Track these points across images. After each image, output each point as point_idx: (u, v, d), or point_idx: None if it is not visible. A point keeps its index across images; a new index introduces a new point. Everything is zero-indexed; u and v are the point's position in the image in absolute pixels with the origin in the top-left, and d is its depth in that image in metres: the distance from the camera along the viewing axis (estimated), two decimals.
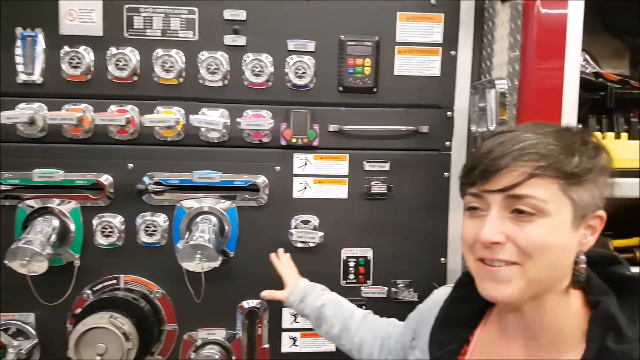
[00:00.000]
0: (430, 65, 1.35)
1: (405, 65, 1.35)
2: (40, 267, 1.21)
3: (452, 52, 1.36)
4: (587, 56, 1.37)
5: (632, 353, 0.63)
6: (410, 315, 0.97)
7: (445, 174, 1.39)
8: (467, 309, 0.80)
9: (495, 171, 0.66)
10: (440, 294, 0.88)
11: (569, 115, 1.15)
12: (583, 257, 0.69)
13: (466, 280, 0.76)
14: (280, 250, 1.30)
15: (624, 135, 1.25)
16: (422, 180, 1.38)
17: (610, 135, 1.25)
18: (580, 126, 0.74)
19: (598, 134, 1.25)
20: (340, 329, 1.09)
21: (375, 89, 1.35)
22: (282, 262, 1.27)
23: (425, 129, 1.36)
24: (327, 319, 1.10)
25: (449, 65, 1.36)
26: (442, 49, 1.35)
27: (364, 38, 1.32)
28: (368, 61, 1.32)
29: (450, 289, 0.85)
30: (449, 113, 1.38)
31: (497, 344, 0.76)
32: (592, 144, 0.69)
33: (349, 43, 1.31)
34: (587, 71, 1.34)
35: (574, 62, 1.14)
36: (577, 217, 0.66)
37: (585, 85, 1.31)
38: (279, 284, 1.29)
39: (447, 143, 1.38)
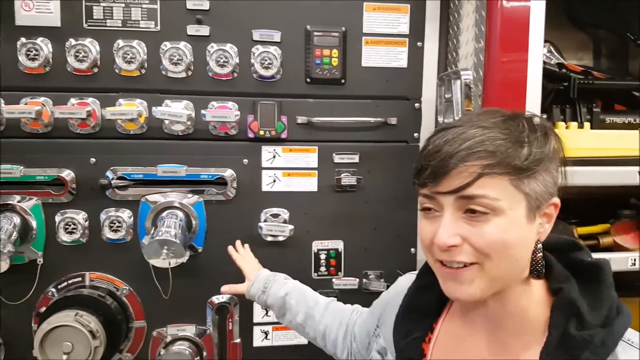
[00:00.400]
0: (398, 57, 1.35)
1: (372, 56, 1.34)
2: (1, 265, 1.18)
3: (419, 44, 1.36)
4: (551, 47, 1.38)
5: (593, 339, 0.63)
6: (375, 303, 0.96)
7: (414, 165, 1.39)
8: (431, 297, 0.79)
9: (445, 173, 0.64)
10: (404, 282, 0.88)
11: (533, 105, 1.16)
12: (540, 246, 0.69)
13: (429, 269, 0.74)
14: (238, 243, 1.28)
15: (587, 125, 1.27)
16: (391, 171, 1.38)
17: (574, 125, 1.27)
18: (528, 111, 0.71)
19: (562, 124, 1.27)
20: (304, 317, 1.08)
21: (343, 81, 1.34)
22: (241, 254, 1.25)
23: (393, 120, 1.36)
24: (291, 308, 1.09)
25: (416, 56, 1.36)
26: (409, 40, 1.35)
27: (331, 29, 1.31)
28: (335, 52, 1.31)
29: (414, 276, 0.85)
30: (416, 104, 1.38)
31: (461, 331, 0.76)
32: (541, 129, 0.67)
33: (316, 34, 1.30)
34: (552, 62, 1.35)
35: (537, 54, 1.16)
36: (532, 209, 0.65)
37: (549, 76, 1.33)
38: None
39: (415, 134, 1.39)
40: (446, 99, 1.29)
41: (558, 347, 0.64)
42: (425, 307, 0.80)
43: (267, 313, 1.39)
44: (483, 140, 0.63)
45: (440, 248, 0.65)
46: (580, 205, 1.50)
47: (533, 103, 1.16)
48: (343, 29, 1.31)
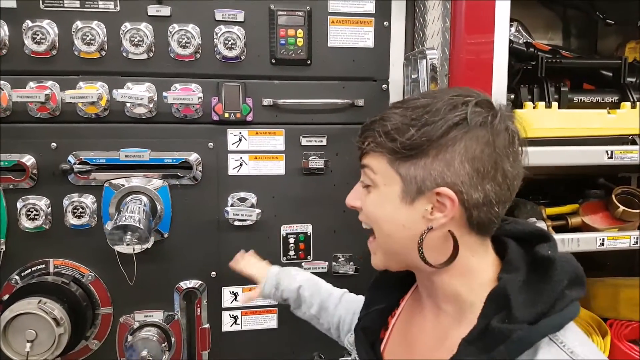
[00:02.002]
0: (364, 37, 1.34)
1: (338, 36, 1.33)
2: None
3: (386, 23, 1.34)
4: (519, 27, 1.37)
5: (511, 334, 0.60)
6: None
7: None
8: (399, 274, 0.79)
9: (358, 145, 0.73)
10: None
11: (499, 85, 1.16)
12: (426, 234, 0.66)
13: None
14: (241, 252, 1.24)
15: (555, 104, 1.27)
16: (359, 154, 1.36)
17: (542, 104, 1.26)
18: (480, 93, 0.68)
19: (529, 104, 1.26)
20: (318, 309, 1.08)
21: (309, 61, 1.32)
22: (246, 261, 1.21)
23: (361, 102, 1.35)
24: (305, 300, 1.09)
25: (383, 36, 1.35)
26: (375, 19, 1.34)
27: (295, 8, 1.29)
28: (300, 32, 1.29)
29: None
30: (384, 86, 1.37)
31: (416, 311, 0.79)
32: (456, 113, 0.64)
33: (280, 13, 1.28)
34: (520, 41, 1.34)
35: (504, 33, 1.15)
36: (409, 192, 0.66)
37: (517, 55, 1.32)
38: (219, 263, 1.30)
39: None
40: (413, 80, 1.28)
41: (478, 337, 0.63)
42: (393, 282, 0.83)
43: (236, 298, 1.38)
44: (379, 120, 0.69)
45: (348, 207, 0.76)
46: (549, 186, 1.50)
47: (499, 82, 1.15)
48: (308, 8, 1.30)
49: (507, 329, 0.60)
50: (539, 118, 1.24)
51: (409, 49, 1.36)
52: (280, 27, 1.29)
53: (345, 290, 1.13)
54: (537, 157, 1.21)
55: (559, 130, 1.24)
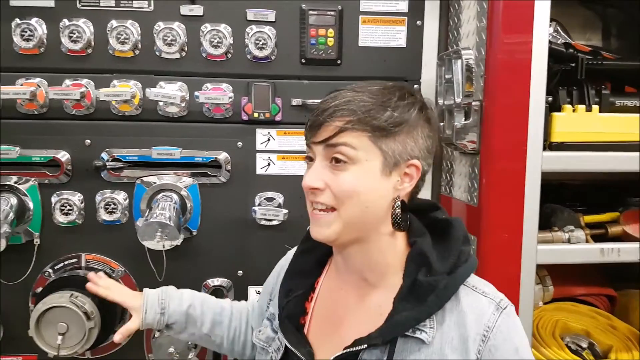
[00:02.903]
0: (396, 36, 1.32)
1: (370, 35, 1.31)
2: None
3: (418, 22, 1.32)
4: (557, 26, 1.32)
5: (438, 284, 0.73)
6: (267, 280, 1.02)
7: None
8: (312, 259, 0.89)
9: (317, 126, 0.75)
10: (291, 253, 0.96)
11: (538, 87, 1.12)
12: (398, 203, 0.77)
13: (309, 235, 0.82)
14: (91, 275, 1.11)
15: (595, 108, 1.21)
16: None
17: (581, 107, 1.21)
18: (405, 84, 0.85)
19: (568, 107, 1.21)
20: (211, 326, 1.03)
21: (339, 61, 1.31)
22: (106, 285, 1.09)
23: None
24: (195, 320, 1.02)
25: (416, 35, 1.33)
26: (408, 18, 1.32)
27: (327, 7, 1.29)
28: (331, 32, 1.28)
29: None
30: (415, 86, 1.35)
31: (336, 286, 0.85)
32: (410, 99, 0.77)
33: (311, 12, 1.27)
34: (558, 42, 1.29)
35: (543, 33, 1.11)
36: (388, 165, 0.75)
37: (555, 56, 1.27)
38: (245, 262, 1.31)
39: None
40: (446, 80, 1.24)
41: (409, 293, 0.74)
42: (307, 268, 0.89)
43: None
44: (350, 101, 0.74)
45: (306, 189, 0.77)
46: (587, 192, 1.44)
47: (538, 84, 1.12)
48: (339, 7, 1.29)
49: (434, 280, 0.73)
50: (578, 122, 1.19)
51: (442, 49, 1.34)
52: (311, 26, 1.28)
53: (228, 299, 1.11)
54: (576, 162, 1.17)
55: (600, 135, 1.19)
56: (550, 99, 1.24)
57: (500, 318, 0.74)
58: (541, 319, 1.33)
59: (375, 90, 0.76)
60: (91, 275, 1.12)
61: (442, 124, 1.29)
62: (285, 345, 0.83)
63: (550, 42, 1.19)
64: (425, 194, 1.37)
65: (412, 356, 0.73)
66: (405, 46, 1.32)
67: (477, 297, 0.75)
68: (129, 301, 1.05)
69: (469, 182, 1.22)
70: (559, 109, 1.22)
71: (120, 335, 1.02)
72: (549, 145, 1.18)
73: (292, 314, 0.85)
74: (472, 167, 1.20)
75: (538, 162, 1.13)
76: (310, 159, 0.80)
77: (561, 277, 1.36)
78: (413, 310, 0.73)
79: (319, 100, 1.25)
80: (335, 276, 0.86)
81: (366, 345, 0.74)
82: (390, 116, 0.73)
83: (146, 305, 1.01)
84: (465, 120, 1.17)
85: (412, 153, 0.76)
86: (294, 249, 0.96)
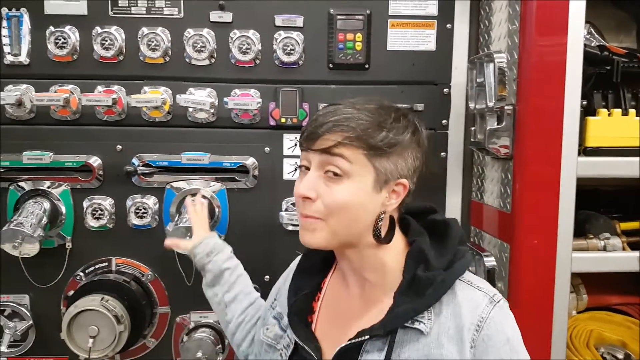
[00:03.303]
0: (425, 40, 1.31)
1: (398, 39, 1.30)
2: (31, 249, 1.23)
3: (448, 25, 1.31)
4: (590, 28, 1.29)
5: (436, 278, 0.78)
6: (275, 284, 1.05)
7: (442, 154, 1.35)
8: (318, 260, 0.93)
9: (315, 138, 0.78)
10: (298, 259, 1.00)
11: (572, 91, 1.10)
12: (383, 217, 0.81)
13: None
14: (199, 197, 1.23)
15: (632, 111, 1.18)
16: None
17: (617, 111, 1.18)
18: (401, 106, 0.89)
19: (604, 111, 1.18)
20: (233, 298, 1.09)
21: (367, 66, 1.31)
22: (197, 210, 1.19)
23: (420, 106, 1.32)
24: (225, 283, 1.09)
25: (445, 39, 1.32)
26: (438, 21, 1.31)
27: (355, 11, 1.28)
28: (359, 36, 1.28)
29: None
30: (445, 90, 1.34)
31: (340, 286, 0.90)
32: (405, 122, 0.81)
33: (339, 17, 1.27)
34: (592, 44, 1.26)
35: (578, 35, 1.09)
36: (379, 182, 0.79)
37: (590, 59, 1.24)
38: (272, 267, 1.30)
39: (443, 121, 1.34)
40: (478, 84, 1.23)
41: (408, 287, 0.80)
42: (313, 268, 0.93)
43: None
44: (349, 118, 0.77)
45: (298, 197, 0.80)
46: (622, 198, 1.40)
47: (573, 88, 1.10)
48: (368, 11, 1.28)
49: (432, 275, 0.79)
50: (614, 126, 1.17)
51: (472, 52, 1.32)
52: (339, 31, 1.28)
53: (259, 295, 1.14)
54: (612, 168, 1.15)
55: (637, 140, 1.16)
56: (584, 102, 1.22)
57: (494, 310, 0.79)
58: (574, 329, 1.30)
59: (372, 109, 0.79)
60: (198, 197, 1.22)
61: (473, 128, 1.27)
62: (295, 341, 0.87)
63: (584, 44, 1.17)
64: (456, 200, 1.36)
65: (412, 346, 0.79)
66: (434, 50, 1.31)
67: (472, 291, 0.81)
68: (198, 229, 1.15)
69: (502, 188, 1.20)
70: (593, 113, 1.19)
71: (169, 242, 1.14)
72: (584, 150, 1.15)
73: (300, 311, 0.89)
74: (504, 172, 1.18)
75: (573, 167, 1.10)
76: (304, 168, 0.82)
77: (595, 286, 1.33)
78: (412, 303, 0.78)
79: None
80: (340, 276, 0.90)
81: (368, 336, 0.79)
82: (386, 137, 0.77)
83: (203, 240, 1.11)
84: (497, 124, 1.16)
85: (401, 172, 0.80)
86: (300, 255, 1.00)
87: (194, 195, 1.29)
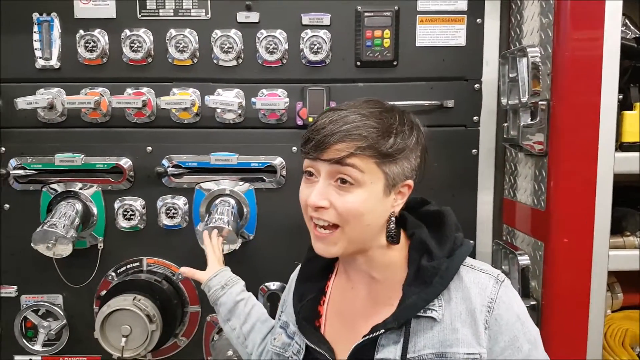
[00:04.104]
0: (455, 35, 1.30)
1: (427, 35, 1.30)
2: (65, 249, 1.27)
3: (479, 20, 1.31)
4: (626, 20, 1.26)
5: (441, 266, 0.82)
6: (282, 296, 1.07)
7: (473, 151, 1.35)
8: (320, 266, 0.95)
9: (325, 147, 0.79)
10: (297, 269, 1.02)
11: (609, 85, 1.08)
12: (393, 219, 0.84)
13: None
14: (215, 232, 1.24)
15: None
16: (448, 158, 1.35)
17: None
18: (401, 108, 0.87)
19: None
20: (251, 329, 1.09)
21: (395, 62, 1.31)
22: (213, 243, 1.22)
23: (450, 103, 1.32)
24: (240, 315, 1.10)
25: (475, 34, 1.31)
26: (468, 16, 1.31)
27: (383, 8, 1.29)
28: (387, 32, 1.28)
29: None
30: (476, 85, 1.33)
31: (346, 286, 0.92)
32: (409, 124, 0.83)
33: (367, 14, 1.28)
34: (628, 37, 1.24)
35: (615, 28, 1.07)
36: (389, 186, 0.81)
37: (626, 52, 1.22)
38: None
39: (474, 118, 1.34)
40: (510, 79, 1.22)
41: (415, 278, 0.83)
42: (315, 273, 0.95)
43: None
44: (359, 126, 0.78)
45: (311, 207, 0.81)
46: None
47: (610, 82, 1.08)
48: (396, 7, 1.29)
49: (436, 264, 0.82)
50: None
51: (503, 46, 1.32)
52: (367, 28, 1.29)
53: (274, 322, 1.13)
54: None
55: None
56: (620, 96, 1.20)
57: (501, 289, 0.83)
58: (609, 328, 1.28)
59: (377, 114, 0.81)
60: (215, 232, 1.23)
61: (505, 124, 1.26)
62: (306, 346, 0.89)
63: (620, 37, 1.15)
64: (487, 198, 1.36)
65: (426, 334, 0.81)
66: (464, 45, 1.31)
67: (477, 274, 0.84)
68: (212, 262, 1.17)
69: (535, 185, 1.19)
70: (630, 107, 1.18)
71: (186, 270, 1.17)
72: (620, 145, 1.14)
73: (308, 316, 0.91)
74: (538, 169, 1.17)
75: (610, 163, 1.09)
76: (310, 174, 0.83)
77: (630, 284, 1.31)
78: (421, 293, 0.81)
79: None
80: (344, 277, 0.93)
81: (383, 330, 0.81)
82: (394, 142, 0.80)
83: (217, 273, 1.14)
84: (531, 120, 1.15)
85: (407, 174, 0.83)
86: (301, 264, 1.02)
87: (220, 196, 1.31)
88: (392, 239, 0.85)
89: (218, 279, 1.12)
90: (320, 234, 0.82)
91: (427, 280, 0.81)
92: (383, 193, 0.80)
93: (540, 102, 1.12)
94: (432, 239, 0.85)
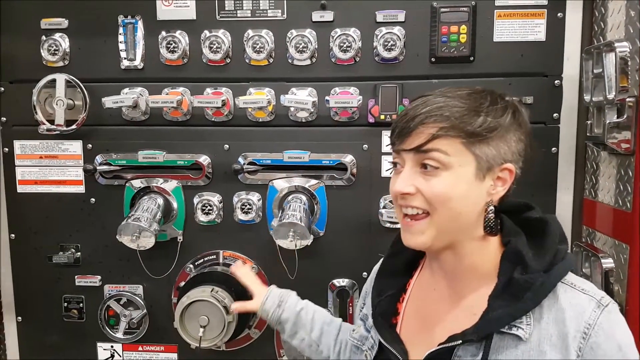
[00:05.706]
0: (535, 30, 1.32)
1: (505, 30, 1.32)
2: (148, 242, 1.39)
3: (560, 14, 1.31)
4: None
5: (535, 281, 0.77)
6: (364, 287, 1.08)
7: (553, 149, 1.36)
8: (401, 261, 0.95)
9: (407, 133, 0.79)
10: (380, 261, 1.03)
11: None
12: (491, 207, 0.81)
13: (399, 238, 0.88)
14: (239, 262, 1.31)
15: None
16: (527, 156, 1.34)
17: None
18: (493, 89, 0.84)
19: None
20: (320, 334, 1.13)
21: (472, 58, 1.34)
22: (244, 272, 1.28)
23: (529, 99, 1.34)
24: (306, 324, 1.13)
25: (556, 28, 1.32)
26: (548, 10, 1.32)
27: (459, 3, 1.32)
28: (464, 28, 1.31)
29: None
30: (557, 81, 1.34)
31: (429, 286, 0.91)
32: (503, 103, 0.81)
33: (443, 10, 1.32)
34: None
35: None
36: (482, 169, 0.78)
37: None
38: (370, 264, 1.35)
39: (554, 115, 1.35)
40: (594, 75, 1.22)
41: (504, 290, 0.79)
42: (397, 269, 0.95)
43: None
44: (441, 107, 0.78)
45: (397, 194, 0.81)
46: None
47: None
48: (473, 2, 1.32)
49: (530, 278, 0.77)
50: None
51: (585, 41, 1.31)
52: (443, 24, 1.32)
53: (341, 320, 1.17)
54: None
55: None
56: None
57: (602, 315, 0.75)
58: None
59: (465, 95, 0.79)
60: (239, 262, 1.31)
61: (589, 122, 1.26)
62: (380, 343, 0.90)
63: None
64: (567, 198, 1.36)
65: (509, 353, 0.77)
66: (544, 39, 1.32)
67: (576, 295, 0.78)
68: (256, 288, 1.22)
69: (620, 185, 1.19)
70: None
71: (236, 306, 1.22)
72: None
73: (385, 312, 0.92)
74: (624, 168, 1.17)
75: None
76: (398, 165, 0.84)
77: None
78: (508, 307, 0.77)
79: None
80: (428, 277, 0.92)
81: (461, 342, 0.79)
82: (484, 121, 0.77)
83: (268, 295, 1.18)
84: (617, 117, 1.15)
85: (505, 157, 0.79)
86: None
87: (293, 193, 1.39)
88: (491, 230, 0.81)
89: (271, 300, 1.16)
90: (408, 222, 0.82)
91: (517, 295, 0.77)
92: (475, 177, 0.78)
93: (628, 99, 1.12)
94: (529, 249, 0.80)
